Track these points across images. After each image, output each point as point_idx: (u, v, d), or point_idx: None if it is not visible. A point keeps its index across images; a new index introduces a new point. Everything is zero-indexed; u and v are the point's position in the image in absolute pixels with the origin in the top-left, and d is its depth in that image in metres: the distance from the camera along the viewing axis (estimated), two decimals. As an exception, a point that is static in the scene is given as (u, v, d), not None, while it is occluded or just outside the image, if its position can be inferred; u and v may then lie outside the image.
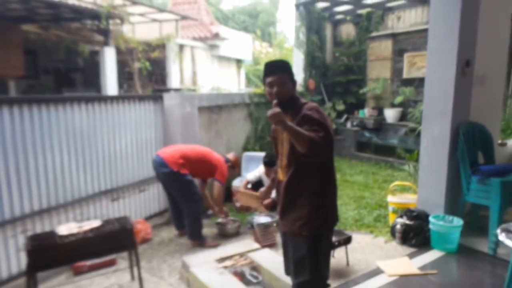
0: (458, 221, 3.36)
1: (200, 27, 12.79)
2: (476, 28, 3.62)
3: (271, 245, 3.54)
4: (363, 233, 3.87)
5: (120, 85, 8.87)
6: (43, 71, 9.60)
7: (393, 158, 6.82)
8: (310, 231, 1.94)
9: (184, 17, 11.65)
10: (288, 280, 2.32)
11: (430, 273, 2.99)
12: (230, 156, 4.24)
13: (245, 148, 5.59)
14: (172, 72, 10.52)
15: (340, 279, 2.95)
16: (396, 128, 7.11)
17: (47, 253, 2.36)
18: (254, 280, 2.72)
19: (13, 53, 7.32)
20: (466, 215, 3.68)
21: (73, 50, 8.30)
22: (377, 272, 3.04)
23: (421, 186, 3.81)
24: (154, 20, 10.61)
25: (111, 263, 3.25)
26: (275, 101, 1.81)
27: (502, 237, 2.28)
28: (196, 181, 3.90)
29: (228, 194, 4.55)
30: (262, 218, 3.74)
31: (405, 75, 7.28)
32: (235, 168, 4.32)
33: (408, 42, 7.23)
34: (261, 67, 16.24)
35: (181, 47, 11.07)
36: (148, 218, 4.25)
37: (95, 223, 2.65)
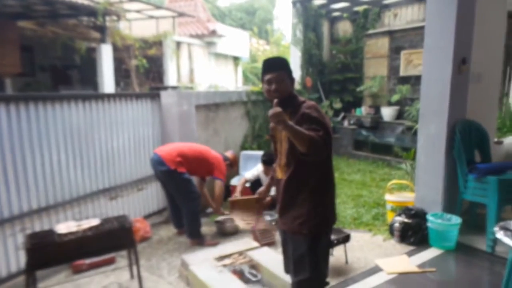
0: (456, 219, 3.38)
1: (197, 24, 12.75)
2: (472, 25, 3.64)
3: (270, 244, 3.55)
4: (362, 232, 3.89)
5: (117, 83, 8.83)
6: (39, 69, 9.52)
7: (390, 157, 6.85)
8: (310, 229, 1.95)
9: (181, 14, 11.61)
10: (287, 278, 2.33)
11: (428, 271, 3.01)
12: (229, 154, 4.24)
13: (243, 147, 5.58)
14: (169, 69, 10.48)
15: (339, 277, 2.96)
16: (393, 127, 7.13)
17: (46, 251, 2.35)
18: (253, 279, 2.73)
19: (9, 50, 7.26)
20: (464, 213, 3.70)
21: (70, 47, 8.24)
22: (375, 270, 3.06)
23: (419, 184, 3.83)
24: (151, 17, 10.56)
25: (110, 261, 3.24)
26: (275, 100, 1.81)
27: (500, 235, 2.30)
28: (195, 180, 3.90)
29: (227, 193, 4.55)
30: (259, 224, 3.74)
31: (402, 72, 7.29)
32: (233, 166, 4.32)
33: (405, 39, 7.25)
34: (258, 64, 16.25)
35: (178, 44, 11.03)
36: (147, 217, 4.24)
37: (94, 222, 2.64)
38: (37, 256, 2.32)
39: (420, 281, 2.89)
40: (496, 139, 4.72)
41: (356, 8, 8.31)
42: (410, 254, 3.32)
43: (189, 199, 3.59)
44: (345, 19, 8.76)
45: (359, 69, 8.24)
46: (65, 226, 2.56)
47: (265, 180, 4.29)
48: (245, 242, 3.30)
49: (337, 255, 3.27)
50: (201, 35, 12.20)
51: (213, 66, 12.81)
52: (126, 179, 3.95)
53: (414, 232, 3.50)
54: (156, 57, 10.06)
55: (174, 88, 4.90)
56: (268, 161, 4.04)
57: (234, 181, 4.81)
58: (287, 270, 2.22)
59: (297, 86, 7.73)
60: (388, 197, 3.97)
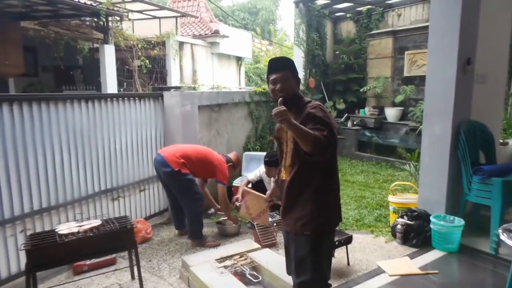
0: (459, 221, 3.35)
1: (200, 25, 12.76)
2: (477, 25, 3.60)
3: (271, 245, 3.53)
4: (364, 233, 3.86)
5: (120, 83, 8.84)
6: (42, 69, 9.56)
7: (394, 158, 6.81)
8: (312, 230, 1.93)
9: (183, 14, 11.62)
10: (288, 280, 2.31)
11: (431, 273, 2.98)
12: (231, 155, 4.22)
13: (246, 148, 5.57)
14: (172, 70, 10.48)
15: (341, 279, 2.94)
16: (397, 127, 7.10)
17: (47, 252, 2.34)
18: (254, 280, 2.72)
19: (13, 51, 7.29)
20: (467, 215, 3.67)
21: (73, 48, 8.27)
22: (378, 272, 3.03)
23: (422, 186, 3.80)
24: (154, 17, 10.57)
25: (111, 262, 3.24)
26: (280, 99, 1.80)
27: (503, 237, 2.27)
28: (197, 180, 3.89)
29: (229, 194, 4.53)
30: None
31: (406, 73, 7.26)
32: (236, 168, 4.30)
33: (409, 39, 7.21)
34: (261, 65, 16.24)
35: (181, 44, 11.03)
36: (148, 218, 4.24)
37: (95, 223, 2.64)
38: (38, 257, 2.32)
39: (422, 283, 2.86)
40: (501, 140, 4.68)
41: (360, 8, 8.28)
42: (412, 256, 3.29)
43: (192, 199, 3.58)
44: (349, 19, 8.74)
45: (362, 69, 8.20)
46: (66, 227, 2.56)
47: (267, 181, 4.28)
48: (246, 244, 3.28)
49: (339, 256, 3.25)
50: (204, 36, 12.20)
51: (216, 67, 12.81)
52: (128, 180, 3.94)
53: (416, 234, 3.48)
54: (159, 57, 10.07)
55: (177, 88, 4.89)
56: (270, 162, 4.01)
57: (237, 182, 4.80)
58: (289, 272, 2.21)
59: (300, 86, 7.71)
60: (391, 198, 3.94)
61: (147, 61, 9.36)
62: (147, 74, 9.74)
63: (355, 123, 7.67)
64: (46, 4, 6.55)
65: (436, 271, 3.00)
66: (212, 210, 4.41)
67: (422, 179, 3.81)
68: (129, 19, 9.40)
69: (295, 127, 1.70)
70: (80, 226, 2.57)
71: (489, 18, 3.75)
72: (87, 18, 8.05)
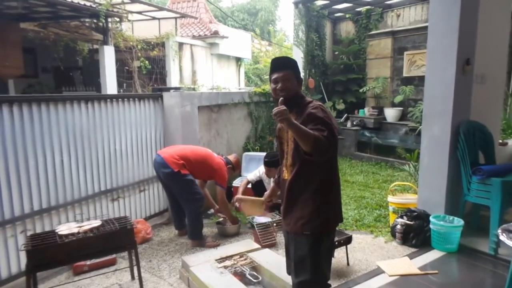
0: (458, 221, 3.36)
1: (199, 25, 12.77)
2: (476, 26, 3.61)
3: (271, 245, 3.54)
4: (363, 233, 3.87)
5: (120, 84, 8.84)
6: (42, 70, 9.56)
7: (393, 158, 6.82)
8: (312, 230, 1.94)
9: (183, 15, 11.63)
10: (288, 280, 2.32)
11: (430, 273, 2.99)
12: (231, 157, 4.23)
13: (245, 148, 5.58)
14: (171, 70, 10.49)
15: (341, 279, 2.94)
16: (396, 128, 7.11)
17: (47, 252, 2.35)
18: (254, 280, 2.72)
19: (12, 52, 7.29)
20: (467, 215, 3.68)
21: (72, 49, 8.27)
22: (377, 272, 3.04)
23: (422, 186, 3.81)
24: (153, 18, 10.58)
25: (111, 262, 3.24)
26: (280, 99, 1.81)
27: (503, 237, 2.27)
28: (196, 180, 3.89)
29: (229, 194, 4.54)
30: (262, 218, 3.74)
31: (405, 73, 7.27)
32: (235, 170, 4.31)
33: (408, 40, 7.23)
34: (261, 65, 16.25)
35: (181, 45, 11.04)
36: (148, 218, 4.24)
37: (95, 223, 2.64)
38: (38, 257, 2.32)
39: (422, 283, 2.86)
40: (500, 141, 4.69)
41: (359, 9, 8.29)
42: (412, 256, 3.29)
43: (192, 200, 3.58)
44: (348, 20, 8.75)
45: (362, 70, 8.22)
46: (66, 227, 2.57)
47: (267, 181, 4.28)
48: (246, 244, 3.29)
49: (338, 256, 3.25)
50: (203, 36, 12.22)
51: (215, 67, 12.82)
52: (128, 180, 3.95)
53: (416, 234, 3.48)
54: (159, 58, 10.07)
55: (176, 89, 4.90)
56: (270, 163, 4.03)
57: (237, 182, 4.81)
58: (289, 271, 2.21)
59: (301, 86, 7.73)
60: (390, 198, 3.95)
61: (146, 62, 9.37)
62: (147, 75, 9.75)
63: (354, 123, 7.68)
64: (45, 5, 6.56)
65: (436, 271, 3.01)
66: (212, 210, 4.41)
67: (422, 180, 3.82)
68: (129, 20, 9.40)
69: (295, 127, 1.71)
70: (80, 226, 2.57)
71: (488, 18, 3.76)
72: (87, 19, 8.05)
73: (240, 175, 5.13)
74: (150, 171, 4.18)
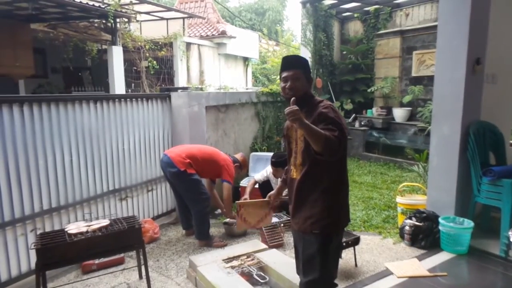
0: (468, 223, 3.31)
1: (207, 25, 12.80)
2: (486, 25, 3.56)
3: (278, 246, 3.53)
4: (372, 234, 3.84)
5: (128, 84, 8.90)
6: (52, 70, 9.67)
7: (402, 159, 6.76)
8: (321, 229, 1.94)
9: (191, 15, 11.67)
10: (295, 280, 2.31)
11: (439, 275, 2.95)
12: (238, 156, 4.23)
13: (253, 148, 5.58)
14: (179, 70, 10.53)
15: (348, 280, 2.93)
16: (405, 128, 7.05)
17: (56, 251, 2.37)
18: (261, 280, 2.72)
19: (23, 52, 7.39)
20: (477, 216, 3.63)
21: (81, 49, 8.35)
22: (385, 273, 3.01)
23: (431, 187, 3.77)
24: (161, 19, 10.63)
25: (119, 262, 3.26)
26: (293, 99, 1.81)
27: (514, 239, 2.24)
28: (205, 181, 3.90)
29: (236, 194, 4.54)
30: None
31: (414, 73, 7.20)
32: (242, 169, 4.30)
33: (417, 39, 7.16)
34: (268, 65, 16.23)
35: (188, 45, 11.08)
36: (156, 218, 4.26)
37: (104, 222, 2.66)
38: (47, 256, 2.35)
39: (431, 285, 2.83)
40: (511, 141, 4.62)
41: (367, 8, 8.23)
42: (420, 258, 3.26)
43: (199, 200, 3.59)
44: (356, 19, 8.70)
45: (370, 69, 8.16)
46: (75, 226, 2.59)
47: (274, 181, 4.27)
48: (253, 244, 3.28)
49: (346, 257, 3.23)
50: (211, 36, 12.24)
51: (223, 67, 12.84)
52: (136, 180, 3.97)
53: (425, 235, 3.44)
54: (167, 58, 10.12)
55: (184, 89, 4.91)
56: (277, 163, 4.02)
57: (244, 183, 4.81)
58: (299, 272, 2.21)
59: (312, 86, 7.71)
60: (399, 199, 3.91)
61: (154, 62, 9.41)
62: (155, 75, 9.80)
63: (362, 123, 7.63)
64: (55, 6, 6.63)
65: (445, 273, 2.97)
66: (219, 210, 4.41)
67: (431, 180, 3.77)
68: (137, 21, 9.46)
69: (307, 127, 1.71)
70: (89, 225, 2.59)
71: (499, 17, 3.71)
72: (96, 20, 8.12)
73: (247, 175, 5.13)
74: (158, 171, 4.20)
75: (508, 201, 3.17)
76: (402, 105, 7.33)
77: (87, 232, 2.51)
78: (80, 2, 6.68)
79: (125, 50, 8.58)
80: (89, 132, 3.42)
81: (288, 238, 3.65)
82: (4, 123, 2.74)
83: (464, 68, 3.42)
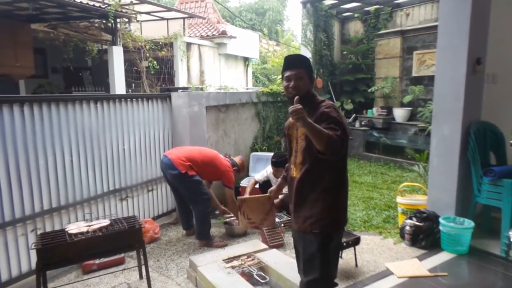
0: (469, 223, 3.31)
1: (207, 25, 12.79)
2: (487, 24, 3.55)
3: (279, 246, 3.53)
4: (372, 234, 3.84)
5: (128, 84, 8.90)
6: (52, 70, 9.68)
7: (402, 159, 6.75)
8: (321, 229, 1.94)
9: (191, 16, 11.67)
10: (295, 280, 2.31)
11: (440, 275, 2.95)
12: (237, 159, 4.23)
13: (253, 148, 5.58)
14: (179, 71, 10.53)
15: (349, 280, 2.92)
16: (406, 128, 7.04)
17: (57, 251, 2.37)
18: (262, 281, 2.71)
19: (23, 53, 7.38)
20: (478, 216, 3.62)
21: (82, 49, 8.35)
22: (386, 273, 3.01)
23: (431, 187, 3.76)
24: (162, 19, 10.63)
25: (120, 262, 3.26)
26: (296, 98, 1.82)
27: (515, 240, 2.24)
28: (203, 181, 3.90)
29: (237, 195, 4.54)
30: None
31: (415, 73, 7.20)
32: (240, 172, 4.31)
33: (418, 39, 7.15)
34: (268, 65, 16.22)
35: (188, 45, 11.07)
36: (156, 218, 4.26)
37: (104, 222, 2.66)
38: (48, 256, 2.35)
39: (431, 285, 2.83)
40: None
41: (368, 8, 8.23)
42: (421, 258, 3.26)
43: (200, 200, 3.59)
44: (356, 19, 8.69)
45: (370, 69, 8.16)
46: (75, 227, 2.59)
47: (274, 181, 4.27)
48: (254, 244, 3.28)
49: (346, 258, 3.23)
50: (211, 36, 12.24)
51: (223, 67, 12.83)
52: (137, 180, 3.97)
53: (425, 235, 3.44)
54: (167, 58, 10.11)
55: (184, 89, 4.91)
56: (277, 163, 4.02)
57: (244, 183, 4.81)
58: (300, 271, 2.21)
59: (313, 85, 7.71)
60: (399, 199, 3.91)
61: (155, 62, 9.41)
62: (155, 75, 9.79)
63: (363, 123, 7.63)
64: (55, 6, 6.63)
65: (445, 273, 2.97)
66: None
67: (431, 180, 3.77)
68: (137, 21, 9.46)
69: (310, 126, 1.72)
70: (89, 225, 2.59)
71: (500, 17, 3.70)
72: (96, 20, 8.12)
73: (247, 175, 5.12)
74: (158, 171, 4.20)
75: (508, 201, 3.17)
76: (402, 105, 7.32)
77: (87, 232, 2.51)
78: (81, 2, 6.68)
79: (126, 50, 8.58)
80: (90, 132, 3.42)
81: (288, 238, 3.65)
82: (4, 123, 2.74)
83: (465, 68, 3.42)
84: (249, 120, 5.55)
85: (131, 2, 8.76)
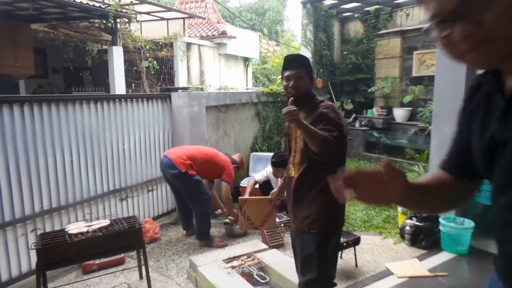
0: (469, 223, 3.31)
1: (207, 26, 12.79)
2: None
3: (279, 246, 3.53)
4: (372, 234, 3.84)
5: (128, 84, 8.90)
6: (52, 70, 9.68)
7: (402, 159, 6.74)
8: (319, 229, 1.94)
9: (191, 16, 11.66)
10: (295, 280, 2.30)
11: (440, 275, 2.95)
12: (236, 157, 4.25)
13: (253, 148, 5.58)
14: (179, 71, 10.52)
15: (349, 280, 2.93)
16: (406, 128, 7.04)
17: (57, 251, 2.37)
18: (262, 281, 2.72)
19: (23, 53, 7.38)
20: (478, 216, 3.62)
21: (82, 49, 8.35)
22: (386, 273, 3.01)
23: (431, 187, 3.76)
24: (162, 19, 10.63)
25: (120, 262, 3.27)
26: (291, 99, 1.82)
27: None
28: (204, 181, 3.90)
29: (237, 195, 4.54)
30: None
31: (415, 73, 7.20)
32: (240, 169, 4.33)
33: (418, 39, 7.15)
34: (268, 65, 16.22)
35: (188, 45, 11.07)
36: (156, 218, 4.27)
37: (104, 222, 2.66)
38: (48, 256, 2.35)
39: (431, 285, 2.83)
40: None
41: (368, 8, 8.23)
42: (421, 258, 3.26)
43: (200, 200, 3.59)
44: (356, 19, 8.69)
45: (370, 69, 8.15)
46: (75, 227, 2.59)
47: (274, 181, 4.27)
48: (254, 244, 3.29)
49: (347, 258, 3.23)
50: (211, 37, 12.23)
51: (223, 67, 12.83)
52: (137, 180, 3.97)
53: (425, 235, 3.44)
54: (167, 58, 10.11)
55: (184, 89, 4.92)
56: (277, 163, 4.01)
57: (244, 183, 4.81)
58: (298, 271, 2.21)
59: (313, 85, 7.71)
60: (399, 199, 3.90)
61: (155, 62, 9.40)
62: (155, 75, 9.79)
63: (363, 123, 7.62)
64: (55, 6, 6.63)
65: (445, 273, 2.97)
66: (219, 210, 4.42)
67: (431, 180, 3.77)
68: (137, 21, 9.46)
69: (304, 127, 1.72)
70: (89, 225, 2.59)
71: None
72: (96, 20, 8.12)
73: (247, 175, 5.12)
74: (158, 171, 4.20)
75: (508, 201, 3.17)
76: (402, 105, 7.32)
77: (87, 232, 2.52)
78: (81, 2, 6.68)
79: (126, 50, 8.58)
80: (90, 132, 3.42)
81: (288, 238, 3.63)
82: (4, 123, 2.74)
83: (465, 68, 3.42)
84: (249, 120, 5.55)
85: (131, 2, 8.76)
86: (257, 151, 5.53)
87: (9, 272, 2.82)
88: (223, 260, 2.91)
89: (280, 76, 2.17)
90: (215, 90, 6.84)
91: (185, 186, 3.60)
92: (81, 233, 2.49)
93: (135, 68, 9.37)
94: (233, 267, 2.81)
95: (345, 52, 8.69)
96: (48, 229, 3.00)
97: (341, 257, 3.19)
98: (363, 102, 8.14)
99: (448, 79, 3.56)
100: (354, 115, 7.99)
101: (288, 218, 3.70)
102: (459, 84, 3.47)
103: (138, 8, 9.24)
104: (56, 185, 3.12)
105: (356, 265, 3.14)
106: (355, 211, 4.47)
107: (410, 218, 3.58)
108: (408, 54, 7.31)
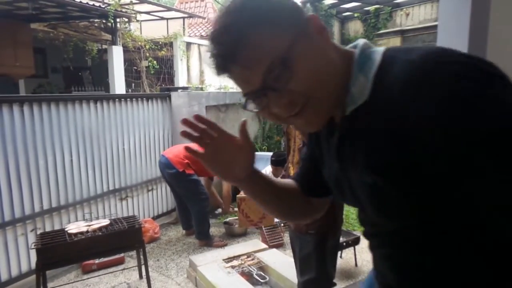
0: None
1: (207, 25, 12.79)
2: (487, 26, 3.54)
3: (279, 245, 3.53)
4: (372, 234, 3.84)
5: (128, 84, 8.90)
6: (52, 70, 9.68)
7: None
8: (317, 229, 1.93)
9: (191, 15, 11.66)
10: (295, 280, 2.30)
11: (440, 274, 2.95)
12: None
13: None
14: (179, 70, 10.52)
15: (349, 280, 2.93)
16: (405, 127, 7.03)
17: (57, 251, 2.37)
18: (261, 280, 2.72)
19: (23, 52, 7.38)
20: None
21: (81, 49, 8.35)
22: (386, 273, 3.01)
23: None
24: (161, 18, 10.62)
25: (120, 261, 3.27)
26: None
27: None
28: (202, 180, 3.90)
29: (237, 193, 4.55)
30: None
31: (414, 73, 7.19)
32: None
33: (418, 39, 7.14)
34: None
35: (188, 45, 11.06)
36: (156, 217, 4.27)
37: (104, 222, 2.66)
38: (48, 256, 2.35)
39: (431, 285, 2.83)
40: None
41: (367, 8, 8.23)
42: (421, 257, 3.26)
43: (198, 200, 3.59)
44: (356, 19, 8.70)
45: (370, 69, 8.15)
46: (75, 226, 2.59)
47: (274, 181, 4.27)
48: (254, 244, 3.29)
49: (346, 257, 3.23)
50: (211, 36, 12.23)
51: (223, 67, 12.82)
52: (136, 179, 3.97)
53: (425, 235, 3.44)
54: (167, 58, 10.10)
55: (184, 89, 4.92)
56: (277, 162, 4.01)
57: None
58: (297, 271, 2.21)
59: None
60: (399, 199, 3.90)
61: (154, 61, 9.40)
62: (155, 74, 9.78)
63: (362, 123, 7.62)
64: (55, 6, 6.63)
65: (445, 273, 2.96)
66: (219, 210, 4.42)
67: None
68: (137, 20, 9.45)
69: None
70: (89, 225, 2.59)
71: (501, 17, 3.70)
72: (96, 20, 8.12)
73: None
74: (158, 171, 4.18)
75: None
76: (402, 105, 7.32)
77: (87, 232, 2.52)
78: (80, 2, 6.67)
79: (125, 50, 8.57)
80: (89, 132, 3.42)
81: (288, 238, 3.65)
82: (4, 123, 2.74)
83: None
84: (249, 120, 5.53)
85: (131, 1, 8.76)
86: (257, 150, 5.51)
87: (9, 272, 2.82)
88: (223, 260, 2.91)
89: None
90: (215, 90, 6.84)
91: (182, 186, 3.60)
92: (81, 233, 2.49)
93: (135, 67, 9.36)
94: (233, 267, 2.81)
95: (345, 52, 8.69)
96: (48, 229, 3.00)
97: (340, 257, 3.19)
98: (362, 101, 8.14)
99: (448, 78, 3.55)
100: (354, 114, 7.98)
101: (288, 218, 3.70)
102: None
103: (138, 7, 9.24)
104: (56, 185, 3.12)
105: (356, 264, 3.15)
106: (355, 210, 4.46)
107: (410, 218, 3.58)
108: (408, 54, 7.31)
